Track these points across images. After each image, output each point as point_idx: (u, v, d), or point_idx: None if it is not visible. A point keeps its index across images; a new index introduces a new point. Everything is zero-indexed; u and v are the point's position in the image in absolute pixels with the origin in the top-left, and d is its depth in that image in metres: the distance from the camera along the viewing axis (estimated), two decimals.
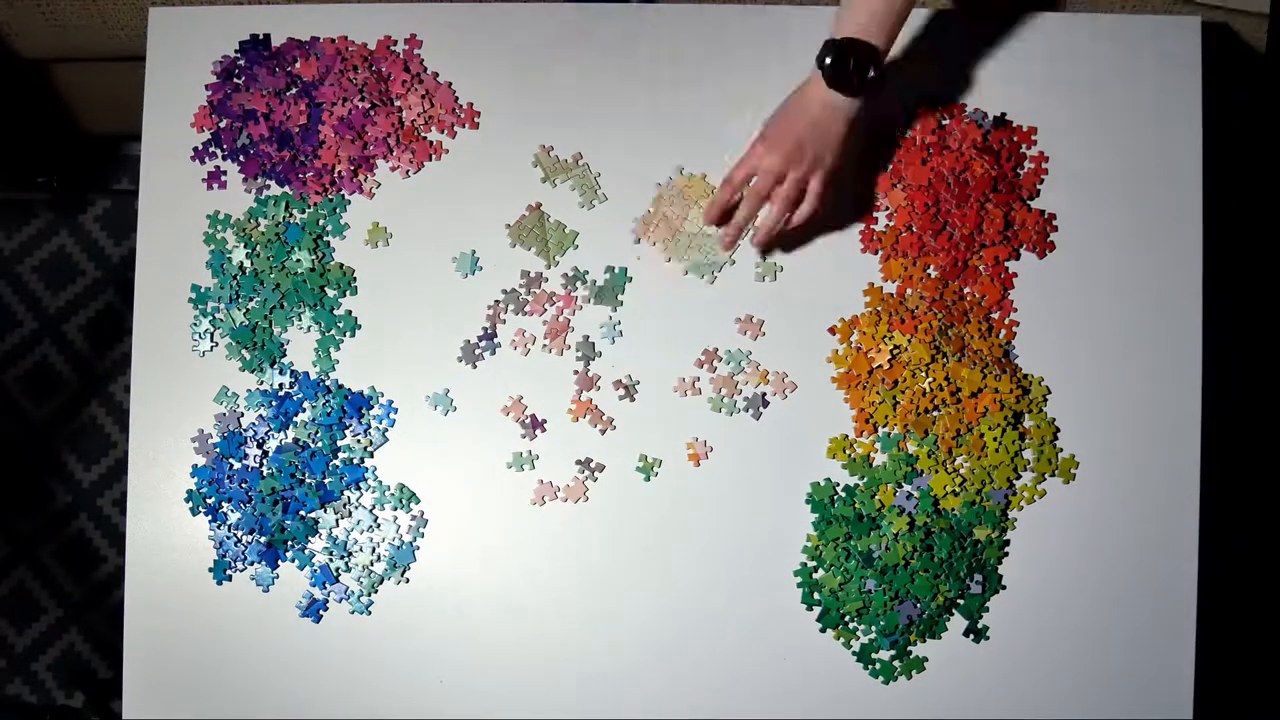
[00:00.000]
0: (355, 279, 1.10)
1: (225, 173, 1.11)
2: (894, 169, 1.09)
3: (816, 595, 1.06)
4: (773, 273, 1.09)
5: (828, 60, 0.95)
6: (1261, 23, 1.05)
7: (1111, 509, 1.07)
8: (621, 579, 1.07)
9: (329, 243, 1.10)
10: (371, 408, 1.09)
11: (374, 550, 1.08)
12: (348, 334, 1.10)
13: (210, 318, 1.10)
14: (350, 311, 1.10)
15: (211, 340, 1.10)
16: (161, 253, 1.11)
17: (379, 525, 1.08)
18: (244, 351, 1.09)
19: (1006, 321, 1.08)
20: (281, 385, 1.09)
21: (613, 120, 1.11)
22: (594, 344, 1.09)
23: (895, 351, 1.07)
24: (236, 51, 1.12)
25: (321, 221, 1.10)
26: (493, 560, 1.08)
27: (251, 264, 1.10)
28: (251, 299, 1.10)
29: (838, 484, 1.07)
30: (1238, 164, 1.73)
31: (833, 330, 1.08)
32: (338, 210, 1.10)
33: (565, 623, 1.07)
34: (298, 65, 1.11)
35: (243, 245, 1.10)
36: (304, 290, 1.09)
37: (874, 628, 1.06)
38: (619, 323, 1.09)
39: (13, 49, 1.39)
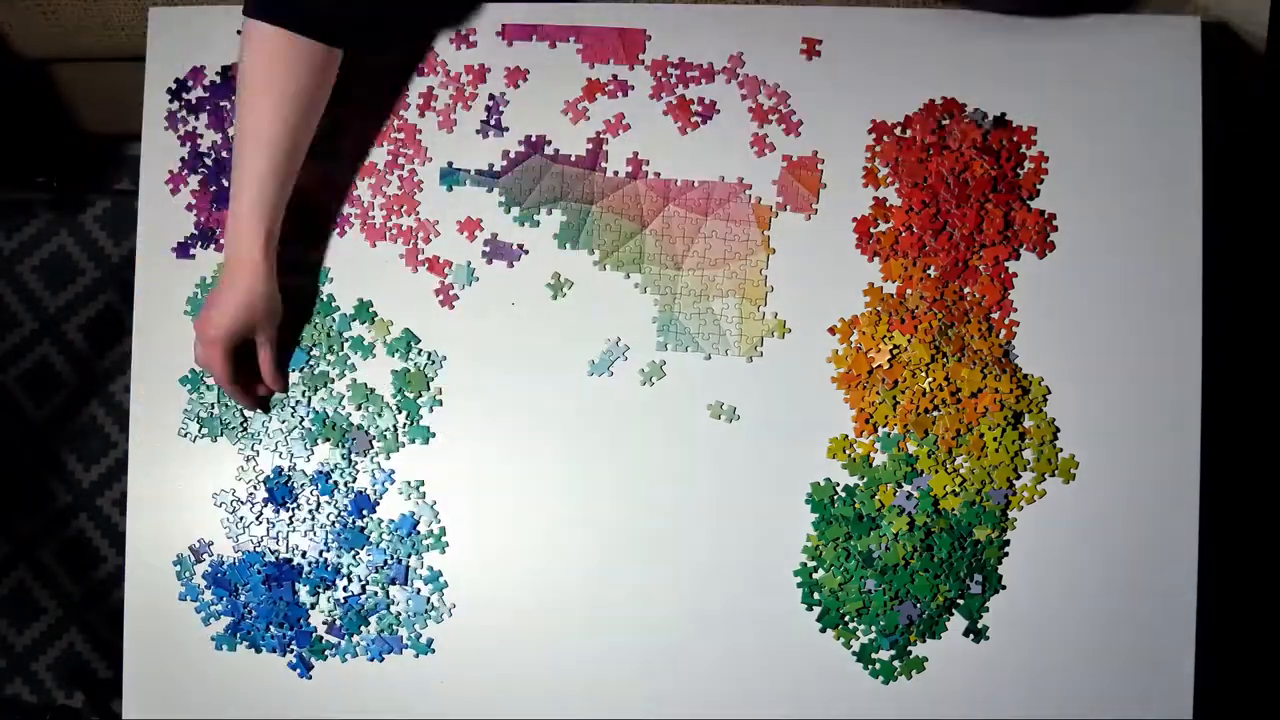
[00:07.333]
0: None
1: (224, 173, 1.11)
2: (894, 169, 1.09)
3: (816, 595, 1.06)
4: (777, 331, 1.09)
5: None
6: (1261, 23, 1.05)
7: (1111, 509, 1.07)
8: (620, 579, 1.07)
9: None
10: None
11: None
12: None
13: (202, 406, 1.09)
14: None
15: (200, 425, 1.09)
16: (161, 253, 1.11)
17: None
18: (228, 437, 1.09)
19: (1006, 321, 1.08)
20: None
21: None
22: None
23: (895, 351, 1.07)
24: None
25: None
26: (493, 561, 1.08)
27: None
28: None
29: (838, 484, 1.07)
30: (1238, 164, 1.72)
31: (833, 330, 1.08)
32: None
33: (564, 623, 1.07)
34: None
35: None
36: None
37: (874, 628, 1.06)
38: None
39: (13, 49, 1.39)
